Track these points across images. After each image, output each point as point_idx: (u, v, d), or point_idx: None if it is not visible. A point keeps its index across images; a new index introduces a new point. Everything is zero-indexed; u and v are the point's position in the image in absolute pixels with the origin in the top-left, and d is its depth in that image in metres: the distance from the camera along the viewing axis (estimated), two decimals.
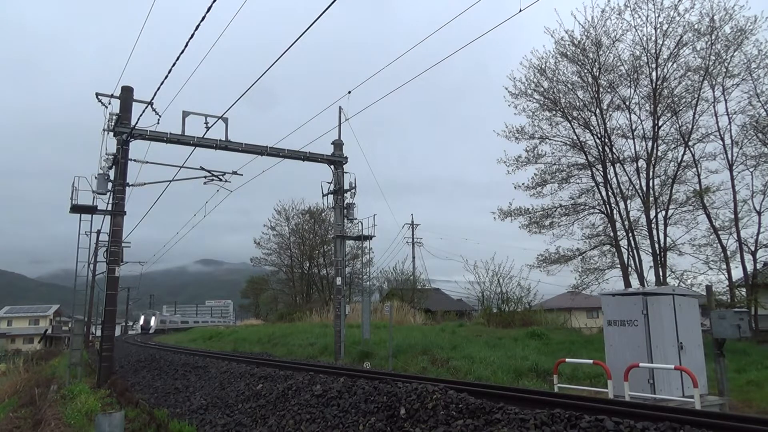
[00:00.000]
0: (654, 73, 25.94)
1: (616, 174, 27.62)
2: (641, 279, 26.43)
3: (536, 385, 13.48)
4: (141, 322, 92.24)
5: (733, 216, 24.88)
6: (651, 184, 26.49)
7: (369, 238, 23.90)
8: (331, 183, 23.28)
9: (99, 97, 19.47)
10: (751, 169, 24.91)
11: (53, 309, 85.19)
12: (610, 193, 27.63)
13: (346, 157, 23.30)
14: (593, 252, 28.99)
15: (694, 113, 25.55)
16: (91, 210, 19.45)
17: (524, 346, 19.95)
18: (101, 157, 19.75)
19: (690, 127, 25.72)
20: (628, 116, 27.22)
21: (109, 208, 19.25)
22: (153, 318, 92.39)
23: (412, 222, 52.47)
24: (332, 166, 23.25)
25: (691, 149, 25.97)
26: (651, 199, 26.35)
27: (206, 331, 52.10)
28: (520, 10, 10.41)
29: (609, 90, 27.40)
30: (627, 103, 27.09)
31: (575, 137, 28.25)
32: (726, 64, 24.60)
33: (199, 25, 8.39)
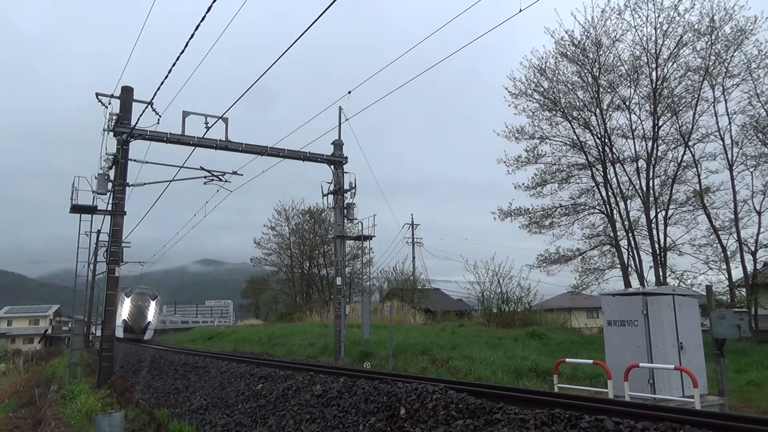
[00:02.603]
0: (654, 73, 25.98)
1: (616, 174, 27.66)
2: (641, 279, 26.44)
3: (536, 385, 13.48)
4: (123, 314, 46.55)
5: (733, 216, 24.90)
6: (651, 184, 26.51)
7: (369, 238, 23.89)
8: (331, 183, 23.28)
9: (99, 97, 19.46)
10: (751, 169, 24.96)
11: (53, 309, 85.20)
12: (610, 193, 27.66)
13: (346, 157, 23.29)
14: (593, 252, 29.05)
15: (694, 113, 25.59)
16: (91, 210, 19.45)
17: (524, 346, 19.94)
18: (101, 157, 19.76)
19: (690, 127, 25.77)
20: (628, 116, 27.29)
21: (109, 208, 19.24)
22: (152, 306, 49.83)
23: (412, 222, 52.49)
24: (332, 166, 23.24)
25: (691, 149, 26.00)
26: (651, 199, 26.36)
27: (206, 331, 52.05)
28: (520, 10, 10.40)
29: (609, 90, 27.42)
30: (627, 103, 27.12)
31: (575, 137, 28.29)
32: (726, 64, 24.62)
33: (199, 25, 8.39)
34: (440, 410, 6.82)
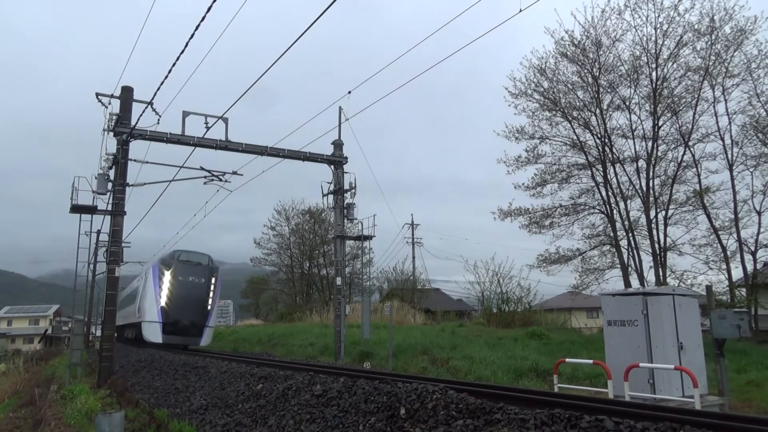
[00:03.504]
0: (654, 73, 25.99)
1: (616, 174, 27.67)
2: (641, 279, 26.45)
3: (536, 385, 13.49)
4: (159, 299, 26.04)
5: (733, 216, 24.90)
6: (651, 184, 26.52)
7: (369, 238, 23.90)
8: (331, 183, 23.28)
9: (99, 97, 19.46)
10: (751, 169, 24.96)
11: (53, 309, 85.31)
12: (610, 193, 27.66)
13: (346, 157, 23.29)
14: (593, 252, 29.06)
15: (694, 113, 25.59)
16: (91, 210, 19.46)
17: (524, 346, 19.95)
18: (101, 157, 19.76)
19: (690, 127, 25.77)
20: (628, 116, 27.29)
21: (109, 208, 19.24)
22: (212, 286, 27.72)
23: (412, 222, 52.53)
24: (332, 166, 23.24)
25: (691, 149, 26.00)
26: (651, 199, 26.37)
27: None
28: (520, 10, 10.42)
29: (609, 90, 27.42)
30: (627, 103, 27.12)
31: (575, 137, 28.30)
32: (726, 64, 24.62)
33: (199, 25, 8.39)
34: (440, 410, 6.82)
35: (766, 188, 24.49)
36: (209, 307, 27.42)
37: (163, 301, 26.17)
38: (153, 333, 25.92)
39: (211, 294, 27.55)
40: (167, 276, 26.53)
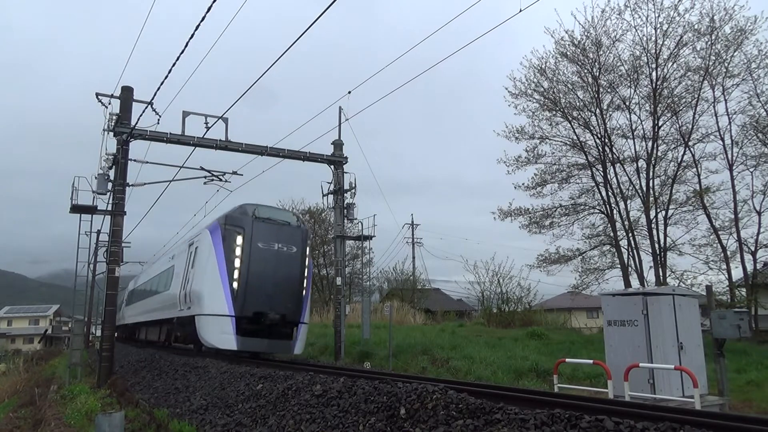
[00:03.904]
0: (654, 73, 25.99)
1: (616, 174, 27.67)
2: (641, 279, 26.46)
3: (536, 385, 13.50)
4: (225, 276, 15.89)
5: (733, 216, 24.91)
6: (651, 184, 26.53)
7: (369, 238, 23.87)
8: (331, 183, 23.24)
9: (99, 97, 19.44)
10: (751, 169, 24.98)
11: (53, 309, 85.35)
12: (610, 193, 27.67)
13: (346, 157, 23.26)
14: (593, 252, 29.07)
15: (694, 113, 25.59)
16: (91, 210, 19.45)
17: (524, 346, 19.96)
18: (101, 157, 19.72)
19: (690, 127, 25.77)
20: (628, 116, 27.30)
21: (109, 208, 19.24)
22: (308, 255, 18.35)
23: (412, 222, 52.54)
24: (332, 166, 23.21)
25: (691, 149, 26.01)
26: (651, 199, 26.37)
27: None
28: (520, 10, 10.43)
29: (609, 90, 27.42)
30: (627, 103, 27.13)
31: (575, 137, 28.30)
32: (726, 64, 24.63)
33: (198, 25, 8.40)
34: (440, 410, 6.82)
35: (766, 188, 24.53)
36: (304, 292, 17.91)
37: (235, 282, 16.36)
38: (219, 334, 16.14)
39: (306, 271, 18.12)
40: (239, 242, 16.68)
